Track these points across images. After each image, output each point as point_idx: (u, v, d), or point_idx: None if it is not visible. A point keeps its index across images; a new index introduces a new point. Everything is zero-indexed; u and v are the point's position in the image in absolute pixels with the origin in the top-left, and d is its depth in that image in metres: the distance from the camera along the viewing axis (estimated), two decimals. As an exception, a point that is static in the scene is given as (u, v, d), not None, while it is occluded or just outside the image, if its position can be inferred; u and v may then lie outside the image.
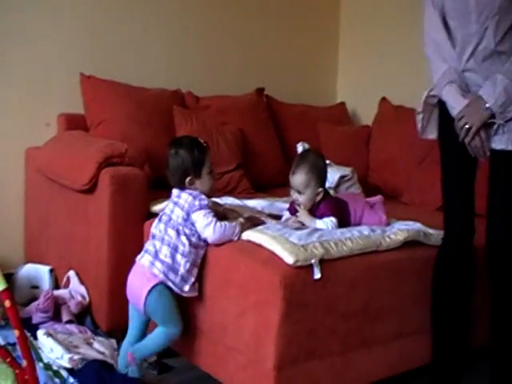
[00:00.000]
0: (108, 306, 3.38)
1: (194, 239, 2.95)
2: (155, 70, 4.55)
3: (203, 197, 2.98)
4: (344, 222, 3.16)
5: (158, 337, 2.96)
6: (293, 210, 3.24)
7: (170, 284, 2.91)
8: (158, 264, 2.92)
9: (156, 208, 3.36)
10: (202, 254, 2.98)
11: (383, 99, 4.96)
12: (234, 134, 4.26)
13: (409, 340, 3.17)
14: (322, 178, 3.19)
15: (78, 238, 3.59)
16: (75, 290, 3.58)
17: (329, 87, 5.59)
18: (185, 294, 2.95)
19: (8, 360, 2.96)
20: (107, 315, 3.40)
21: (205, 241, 2.97)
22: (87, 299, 3.54)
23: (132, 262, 3.20)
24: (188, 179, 3.00)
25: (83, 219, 3.52)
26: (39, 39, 4.12)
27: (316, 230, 2.98)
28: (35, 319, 3.49)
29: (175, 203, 3.01)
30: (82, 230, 3.54)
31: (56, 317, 3.52)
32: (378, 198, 3.41)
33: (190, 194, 2.98)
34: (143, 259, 2.97)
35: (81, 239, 3.55)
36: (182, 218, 2.96)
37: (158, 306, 2.93)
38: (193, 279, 2.95)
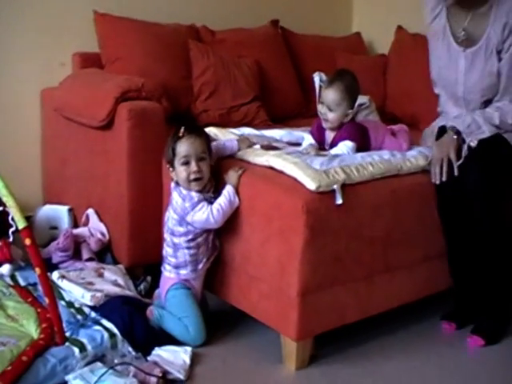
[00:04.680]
0: (128, 242, 3.38)
1: (190, 236, 2.95)
2: (169, 6, 4.48)
3: (192, 194, 2.90)
4: (364, 147, 3.14)
5: (179, 327, 2.94)
6: (316, 132, 3.22)
7: (185, 281, 3.00)
8: (168, 266, 3.03)
9: (175, 141, 3.33)
10: (202, 242, 2.98)
11: (399, 27, 4.89)
12: (250, 67, 4.22)
13: (433, 264, 3.17)
14: (354, 99, 3.18)
15: (96, 176, 3.58)
16: (95, 227, 3.58)
17: (344, 17, 5.51)
18: (197, 282, 3.05)
19: (29, 300, 3.02)
20: (128, 251, 3.40)
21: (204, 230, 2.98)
22: (107, 236, 3.54)
23: (151, 198, 3.22)
24: (170, 170, 2.97)
25: (102, 156, 3.51)
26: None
27: (336, 155, 2.96)
28: (55, 259, 3.49)
29: (170, 201, 2.99)
30: (100, 167, 3.53)
31: (76, 255, 3.52)
32: (402, 126, 3.38)
33: (179, 195, 2.92)
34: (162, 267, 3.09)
35: (100, 176, 3.55)
36: (177, 220, 2.94)
37: (174, 305, 2.98)
38: (201, 265, 3.01)
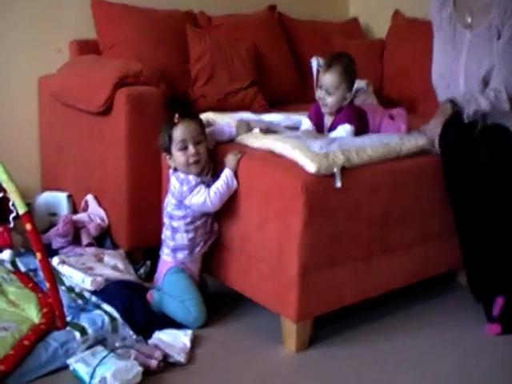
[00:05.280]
0: (128, 227, 3.40)
1: (189, 219, 2.96)
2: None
3: (189, 178, 2.92)
4: (363, 130, 3.15)
5: (180, 310, 2.95)
6: (314, 116, 3.23)
7: (181, 264, 3.02)
8: (166, 250, 3.05)
9: (172, 126, 3.33)
10: (200, 224, 2.99)
11: (396, 12, 4.89)
12: (247, 50, 4.20)
13: (431, 245, 3.19)
14: (352, 82, 3.19)
15: (95, 161, 3.59)
16: (94, 213, 3.59)
17: (341, 2, 5.49)
18: (195, 267, 3.08)
19: (30, 285, 3.03)
20: (127, 236, 3.42)
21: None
22: (106, 221, 3.55)
23: (150, 182, 3.23)
24: (167, 158, 2.98)
25: (100, 142, 3.51)
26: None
27: (335, 138, 2.97)
28: (55, 244, 3.49)
29: (169, 188, 3.01)
30: (99, 152, 3.54)
31: (75, 241, 3.52)
32: (400, 109, 3.38)
33: (177, 179, 2.94)
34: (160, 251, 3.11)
35: (98, 162, 3.55)
36: (175, 205, 2.97)
37: (172, 288, 3.00)
38: (198, 249, 3.03)
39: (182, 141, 2.89)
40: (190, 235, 2.97)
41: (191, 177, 2.92)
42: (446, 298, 3.33)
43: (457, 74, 3.31)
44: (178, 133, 2.90)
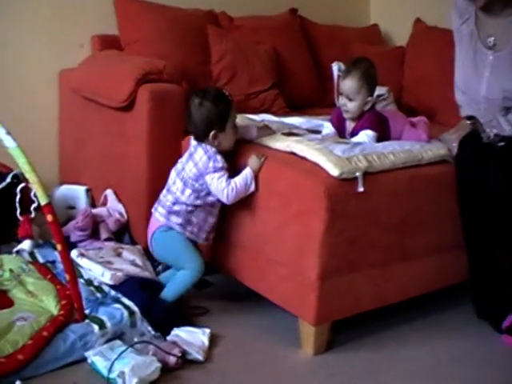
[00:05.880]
0: (146, 222, 3.35)
1: (202, 194, 2.95)
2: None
3: (218, 158, 2.92)
4: (384, 137, 3.15)
5: (178, 280, 2.99)
6: (336, 121, 3.23)
7: (172, 224, 2.98)
8: (161, 209, 3.01)
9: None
10: (212, 210, 3.01)
11: (417, 20, 4.89)
12: (268, 53, 4.22)
13: (448, 255, 3.19)
14: (373, 86, 3.19)
15: (115, 156, 3.59)
16: (113, 207, 3.60)
17: (362, 8, 5.51)
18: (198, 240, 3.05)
19: (49, 277, 3.03)
20: (145, 231, 3.38)
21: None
22: (125, 217, 3.55)
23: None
24: (212, 133, 2.93)
25: (120, 137, 3.52)
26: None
27: (357, 144, 2.97)
28: (73, 237, 3.49)
29: (190, 155, 2.99)
30: (119, 147, 3.54)
31: (94, 235, 3.52)
32: (422, 118, 3.38)
33: (206, 153, 2.92)
34: (153, 209, 3.07)
35: (118, 157, 3.56)
36: (194, 174, 2.94)
37: (162, 249, 3.02)
38: (190, 228, 3.00)
39: (235, 119, 3.00)
40: (189, 208, 2.96)
41: (219, 157, 2.92)
42: (461, 307, 3.31)
43: (478, 92, 3.26)
44: (234, 111, 2.98)
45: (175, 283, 2.99)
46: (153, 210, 3.07)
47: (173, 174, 3.03)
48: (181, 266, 2.99)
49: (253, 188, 2.90)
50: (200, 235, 3.02)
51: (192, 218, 2.98)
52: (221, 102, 2.93)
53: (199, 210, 2.98)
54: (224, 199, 2.92)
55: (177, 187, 2.98)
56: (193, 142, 3.01)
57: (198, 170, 2.93)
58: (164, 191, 3.04)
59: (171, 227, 2.98)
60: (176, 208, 2.96)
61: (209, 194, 2.95)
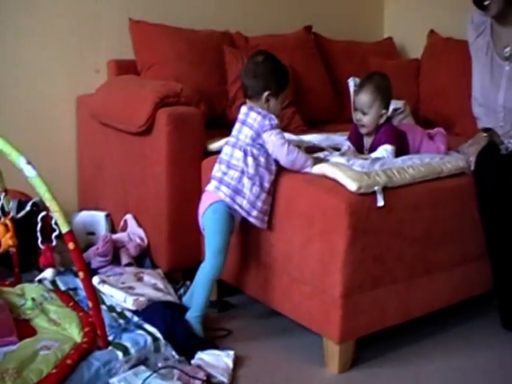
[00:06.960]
0: (167, 246, 3.39)
1: (262, 160, 2.88)
2: (203, 12, 4.51)
3: (273, 116, 2.90)
4: (403, 150, 3.15)
5: (200, 281, 2.95)
6: (353, 138, 3.22)
7: (237, 207, 2.89)
8: (224, 188, 2.91)
9: (213, 146, 3.34)
10: (270, 178, 2.90)
11: (431, 32, 4.89)
12: (284, 71, 4.21)
13: (472, 266, 3.17)
14: (386, 98, 3.18)
15: (134, 181, 3.59)
16: (133, 232, 3.59)
17: (375, 22, 5.52)
18: (252, 219, 2.90)
19: (71, 304, 3.03)
20: (167, 255, 3.41)
21: (275, 163, 2.91)
22: (146, 241, 3.54)
23: (190, 202, 3.23)
24: (267, 93, 2.93)
25: (139, 161, 3.52)
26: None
27: (377, 159, 2.96)
28: (94, 264, 3.49)
29: (243, 122, 2.94)
30: (138, 172, 3.54)
31: (115, 260, 3.53)
32: (439, 129, 3.37)
33: (259, 113, 2.90)
34: (209, 185, 2.97)
35: (138, 182, 3.56)
36: (251, 137, 2.89)
37: (212, 217, 2.91)
38: (260, 204, 2.88)
39: None
40: (258, 180, 2.88)
41: (273, 116, 2.92)
42: (485, 318, 3.30)
43: (495, 102, 3.27)
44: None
45: (198, 288, 2.95)
46: (213, 189, 2.95)
47: (227, 148, 2.97)
48: (209, 252, 2.91)
49: (310, 168, 2.87)
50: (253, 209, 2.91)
51: (265, 184, 2.89)
52: (282, 68, 3.00)
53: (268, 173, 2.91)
54: (283, 154, 2.85)
55: (237, 158, 2.91)
56: (243, 110, 2.98)
57: (254, 131, 2.89)
58: (222, 169, 2.95)
59: (234, 209, 2.90)
60: (244, 181, 2.88)
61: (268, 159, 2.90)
